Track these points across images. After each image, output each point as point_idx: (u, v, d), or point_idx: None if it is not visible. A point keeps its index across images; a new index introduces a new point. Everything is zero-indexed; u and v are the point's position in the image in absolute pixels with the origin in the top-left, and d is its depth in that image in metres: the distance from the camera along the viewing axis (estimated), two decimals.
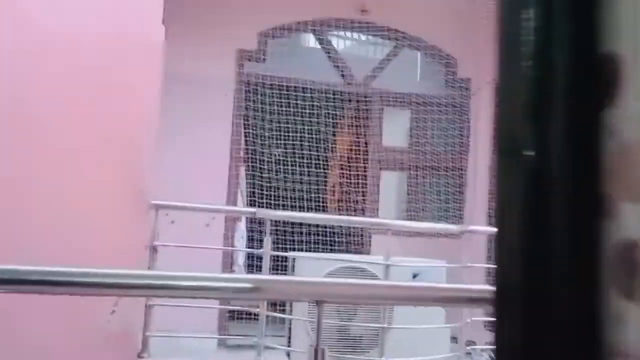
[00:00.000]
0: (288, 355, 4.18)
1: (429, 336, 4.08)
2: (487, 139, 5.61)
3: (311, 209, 5.29)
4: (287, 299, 1.51)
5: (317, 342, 1.48)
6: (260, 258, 4.08)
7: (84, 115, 3.59)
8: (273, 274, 4.10)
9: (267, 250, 3.94)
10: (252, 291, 1.42)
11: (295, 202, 5.23)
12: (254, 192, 5.18)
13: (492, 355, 4.48)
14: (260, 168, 5.26)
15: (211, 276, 1.40)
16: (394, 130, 5.90)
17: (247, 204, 5.08)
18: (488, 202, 5.51)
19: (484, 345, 4.53)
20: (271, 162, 5.28)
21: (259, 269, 4.16)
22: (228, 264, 4.90)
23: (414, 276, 4.20)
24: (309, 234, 5.19)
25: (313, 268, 4.05)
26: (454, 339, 4.44)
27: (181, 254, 4.17)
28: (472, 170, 5.66)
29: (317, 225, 5.20)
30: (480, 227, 4.76)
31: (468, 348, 4.34)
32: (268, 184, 5.23)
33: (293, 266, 4.22)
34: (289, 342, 4.24)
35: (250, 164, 5.19)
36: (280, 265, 4.41)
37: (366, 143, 5.52)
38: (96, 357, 3.52)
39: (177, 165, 4.84)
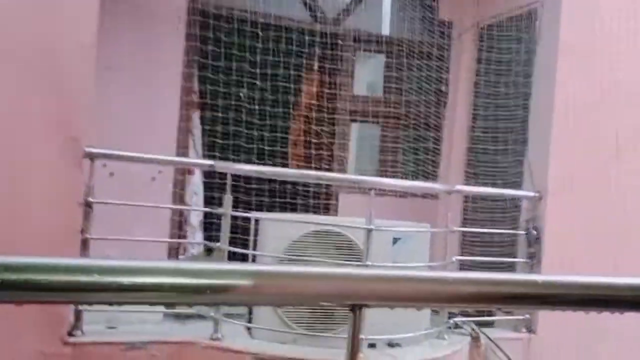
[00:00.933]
0: (248, 329, 3.62)
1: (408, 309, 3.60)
2: (467, 90, 5.09)
3: (270, 162, 4.66)
4: (306, 302, 0.90)
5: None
6: (218, 218, 3.48)
7: (2, 45, 2.93)
8: (231, 237, 3.50)
9: (227, 210, 3.33)
10: (251, 292, 0.83)
11: (252, 154, 4.59)
12: (209, 142, 4.50)
13: (475, 327, 4.07)
14: (215, 115, 4.56)
15: (173, 267, 0.80)
16: (367, 76, 5.31)
17: (201, 155, 4.39)
18: (466, 159, 5.03)
19: (464, 316, 4.10)
20: (228, 108, 4.59)
21: (217, 231, 3.54)
22: (177, 224, 4.25)
23: (395, 241, 3.69)
24: (270, 190, 4.58)
25: (280, 231, 3.49)
26: (434, 311, 3.99)
27: (121, 212, 3.56)
28: (450, 124, 5.15)
29: (277, 182, 4.59)
30: (469, 187, 4.28)
31: (450, 321, 3.91)
32: (223, 133, 4.55)
33: (256, 230, 3.63)
34: (250, 311, 3.69)
35: (204, 109, 4.48)
36: (240, 227, 3.80)
37: (335, 90, 4.90)
38: (14, 340, 2.90)
39: (117, 107, 4.12)
